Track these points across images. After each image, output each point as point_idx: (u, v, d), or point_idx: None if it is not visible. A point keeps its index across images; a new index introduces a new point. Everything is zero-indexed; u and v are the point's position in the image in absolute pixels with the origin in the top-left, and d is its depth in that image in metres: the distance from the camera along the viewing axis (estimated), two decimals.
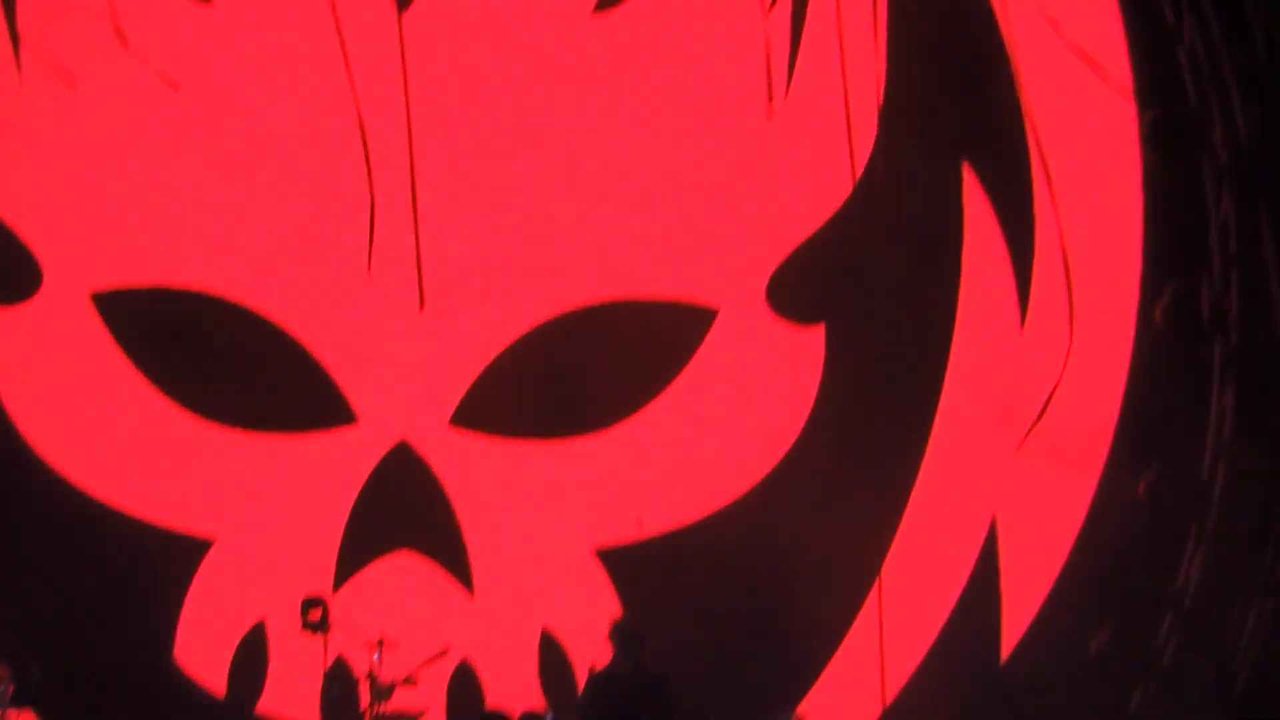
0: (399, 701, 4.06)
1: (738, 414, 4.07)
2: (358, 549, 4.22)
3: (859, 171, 4.05)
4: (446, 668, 4.20)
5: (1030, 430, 3.99)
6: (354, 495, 4.11)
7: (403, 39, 3.92)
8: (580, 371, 4.13)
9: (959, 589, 4.24)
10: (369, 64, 4.01)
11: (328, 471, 4.11)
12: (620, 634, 3.88)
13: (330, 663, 4.14)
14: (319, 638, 4.10)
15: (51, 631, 4.20)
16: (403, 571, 4.20)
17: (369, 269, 3.88)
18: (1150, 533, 4.13)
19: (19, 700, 3.98)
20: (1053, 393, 3.98)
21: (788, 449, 4.09)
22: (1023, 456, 4.05)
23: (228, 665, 4.28)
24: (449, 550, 4.16)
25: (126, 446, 4.09)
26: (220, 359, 4.12)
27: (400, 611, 4.21)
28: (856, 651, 4.28)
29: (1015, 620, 4.27)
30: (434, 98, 3.98)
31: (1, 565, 4.22)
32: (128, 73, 3.98)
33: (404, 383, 4.04)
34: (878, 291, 4.06)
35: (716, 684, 4.21)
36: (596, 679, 3.90)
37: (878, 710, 4.27)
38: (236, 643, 4.27)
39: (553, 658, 4.30)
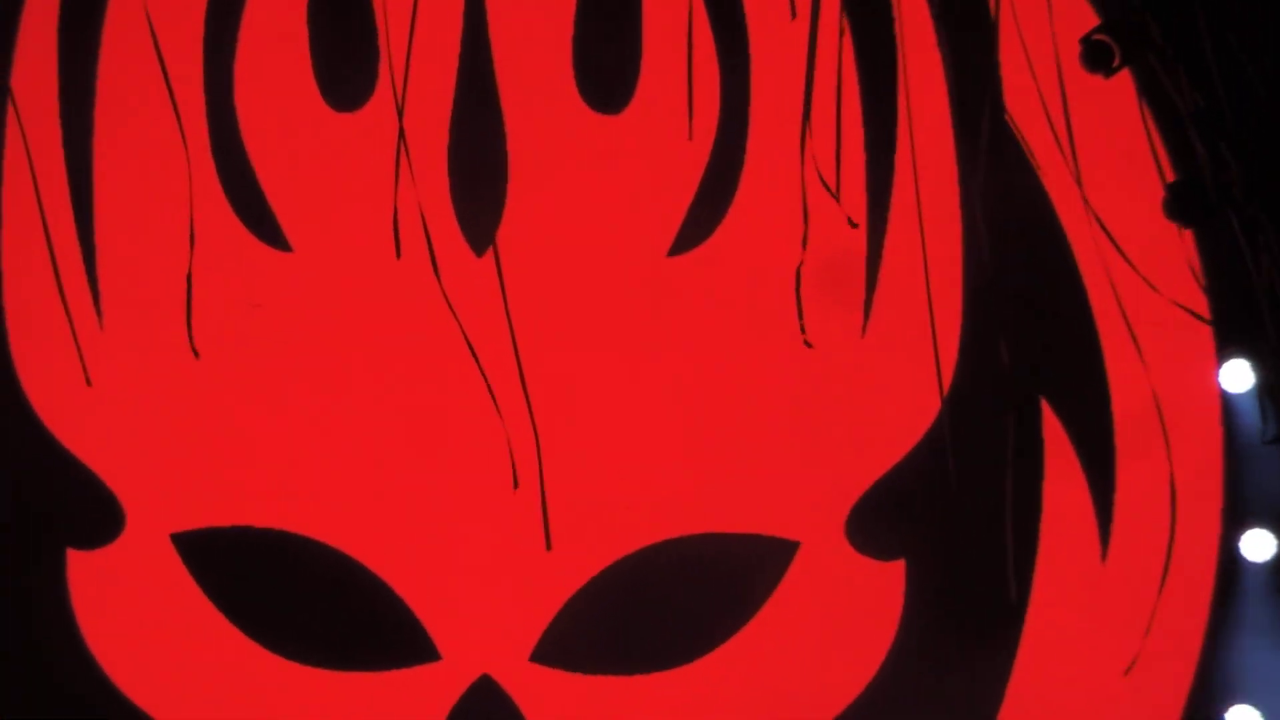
0: None
1: (820, 646, 4.06)
2: None
3: (938, 404, 4.05)
4: None
5: (1128, 668, 3.98)
6: None
7: (502, 275, 3.92)
8: (662, 604, 4.12)
9: None
10: (464, 306, 4.02)
11: (411, 706, 4.11)
12: None
13: None
14: None
15: None
16: None
17: (515, 488, 3.84)
18: None
19: None
20: (1147, 628, 3.97)
21: (868, 680, 4.08)
22: (1108, 688, 4.04)
23: None
24: None
25: (210, 685, 4.07)
26: (303, 598, 4.13)
27: None
28: None
29: None
30: (536, 342, 3.98)
31: None
32: (206, 315, 4.01)
33: (486, 619, 4.04)
34: (957, 526, 4.06)
35: None
36: None
37: None
38: None
39: None
